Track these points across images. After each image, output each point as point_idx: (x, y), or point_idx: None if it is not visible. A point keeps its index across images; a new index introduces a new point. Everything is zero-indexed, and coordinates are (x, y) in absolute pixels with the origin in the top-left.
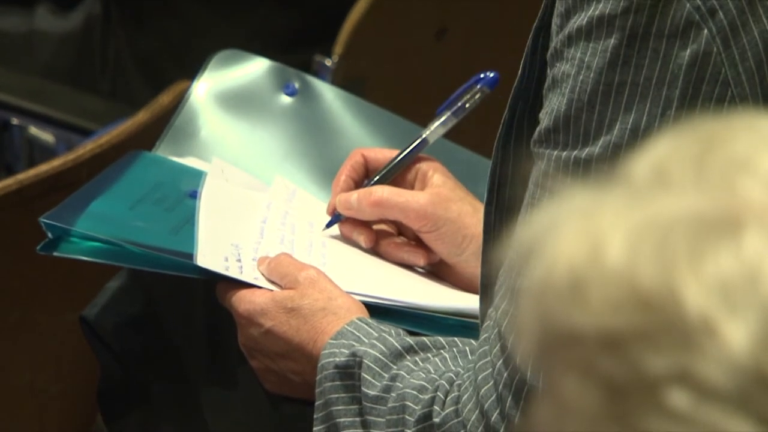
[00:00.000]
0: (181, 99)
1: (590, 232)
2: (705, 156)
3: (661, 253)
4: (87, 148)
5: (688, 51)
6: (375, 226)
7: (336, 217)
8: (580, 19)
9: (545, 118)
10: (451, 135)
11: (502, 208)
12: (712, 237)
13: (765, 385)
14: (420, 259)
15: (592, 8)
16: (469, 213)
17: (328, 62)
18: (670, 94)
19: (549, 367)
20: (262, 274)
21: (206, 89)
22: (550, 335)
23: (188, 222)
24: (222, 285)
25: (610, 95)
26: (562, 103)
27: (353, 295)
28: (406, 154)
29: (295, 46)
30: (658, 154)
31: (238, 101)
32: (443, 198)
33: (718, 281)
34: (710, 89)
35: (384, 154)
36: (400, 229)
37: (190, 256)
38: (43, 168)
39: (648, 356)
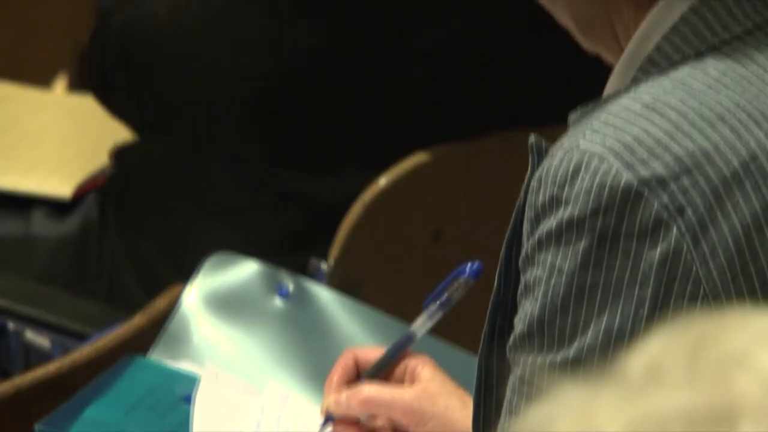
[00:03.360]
0: (176, 302)
1: (586, 427)
2: (698, 352)
3: None
4: (83, 352)
5: (659, 250)
6: (371, 423)
7: (329, 418)
8: (549, 224)
9: (519, 324)
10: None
11: (489, 422)
12: None
13: None
14: None
15: (561, 212)
16: (456, 408)
17: (324, 266)
18: (642, 294)
19: None
20: None
21: (199, 293)
22: None
23: (183, 427)
24: None
25: (583, 298)
26: (536, 307)
27: None
28: (393, 351)
29: (292, 248)
30: (651, 351)
31: (231, 304)
32: (430, 393)
33: None
34: (682, 287)
35: (375, 352)
36: (394, 425)
37: None
38: (39, 372)
39: None
